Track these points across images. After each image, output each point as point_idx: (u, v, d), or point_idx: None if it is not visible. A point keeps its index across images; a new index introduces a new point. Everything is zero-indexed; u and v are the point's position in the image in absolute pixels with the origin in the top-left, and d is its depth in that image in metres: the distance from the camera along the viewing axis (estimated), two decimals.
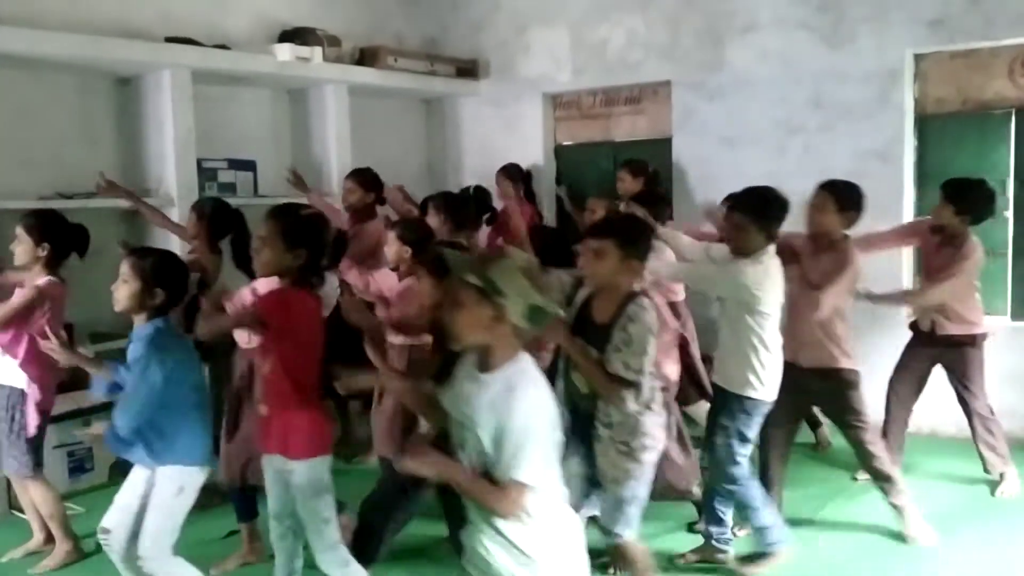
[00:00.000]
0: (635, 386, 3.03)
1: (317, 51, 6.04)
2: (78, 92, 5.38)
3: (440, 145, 7.62)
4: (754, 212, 3.59)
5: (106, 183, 5.01)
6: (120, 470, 3.35)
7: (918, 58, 5.74)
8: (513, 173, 6.56)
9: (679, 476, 3.86)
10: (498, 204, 6.31)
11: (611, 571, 3.73)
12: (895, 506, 4.14)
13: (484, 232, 6.01)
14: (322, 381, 3.18)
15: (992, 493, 4.70)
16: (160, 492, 3.12)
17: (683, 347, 5.02)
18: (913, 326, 4.82)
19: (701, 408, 4.65)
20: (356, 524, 3.67)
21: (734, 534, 3.98)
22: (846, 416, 4.09)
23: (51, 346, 3.37)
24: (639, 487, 3.16)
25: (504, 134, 7.21)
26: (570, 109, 7.19)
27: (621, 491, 3.13)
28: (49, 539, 4.16)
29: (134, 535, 3.14)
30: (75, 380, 4.53)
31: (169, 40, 5.41)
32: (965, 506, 4.59)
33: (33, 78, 5.15)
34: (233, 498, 4.01)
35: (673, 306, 5.06)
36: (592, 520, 3.25)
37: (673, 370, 4.14)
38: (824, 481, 4.92)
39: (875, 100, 5.74)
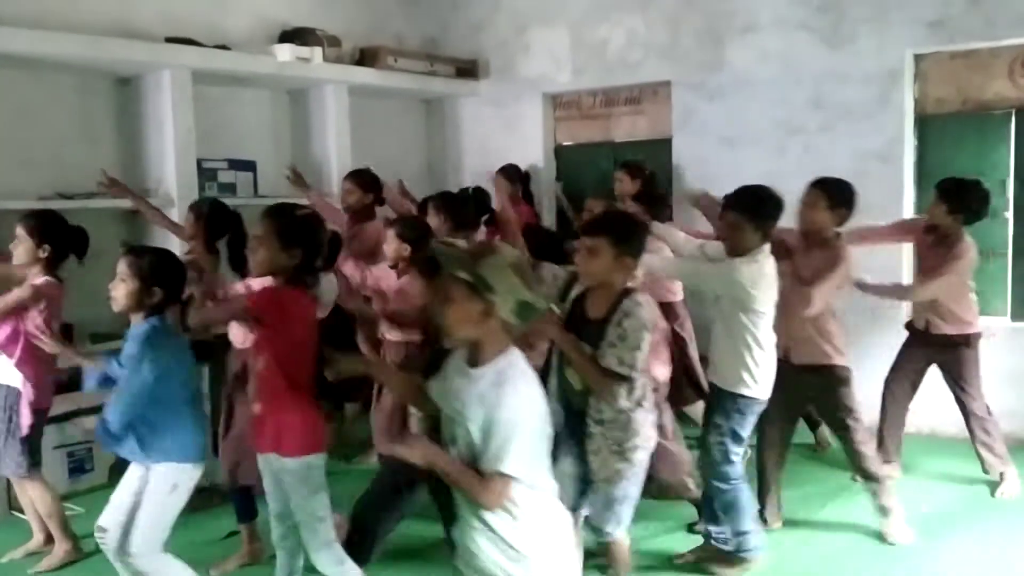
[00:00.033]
0: (628, 381, 3.03)
1: (317, 51, 6.05)
2: (78, 92, 5.38)
3: (440, 145, 7.62)
4: (749, 211, 3.58)
5: (108, 180, 5.03)
6: (119, 470, 3.35)
7: (918, 58, 5.73)
8: (511, 174, 6.55)
9: (673, 469, 3.85)
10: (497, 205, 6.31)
11: (609, 571, 3.72)
12: (883, 507, 4.13)
13: (482, 234, 6.00)
14: (317, 382, 3.16)
15: (992, 494, 4.68)
16: (154, 489, 3.13)
17: (681, 348, 5.03)
18: (909, 326, 4.83)
19: (699, 408, 4.64)
20: (349, 524, 3.67)
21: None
22: (838, 413, 4.09)
23: (43, 340, 3.37)
24: (630, 487, 3.17)
25: (504, 134, 7.20)
26: (570, 109, 7.18)
27: (612, 490, 3.14)
28: (49, 540, 4.15)
29: (127, 532, 3.14)
30: (74, 380, 4.53)
31: (169, 40, 5.42)
32: (965, 506, 4.58)
33: (33, 78, 5.16)
34: (233, 499, 4.01)
35: (672, 306, 5.08)
36: (585, 520, 3.25)
37: (662, 371, 4.10)
38: (823, 481, 4.90)
39: (875, 100, 5.73)
